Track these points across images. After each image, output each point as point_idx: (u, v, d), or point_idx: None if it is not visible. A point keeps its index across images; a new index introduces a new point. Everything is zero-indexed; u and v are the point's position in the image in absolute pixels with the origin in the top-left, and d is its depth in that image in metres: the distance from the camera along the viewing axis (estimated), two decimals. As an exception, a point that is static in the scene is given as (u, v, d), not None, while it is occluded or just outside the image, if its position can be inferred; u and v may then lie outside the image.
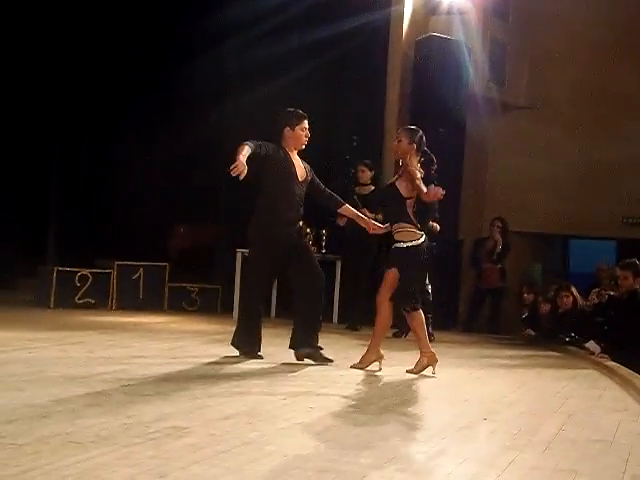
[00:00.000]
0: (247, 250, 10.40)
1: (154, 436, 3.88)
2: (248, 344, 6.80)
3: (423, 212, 6.61)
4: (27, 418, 4.05)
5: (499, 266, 11.43)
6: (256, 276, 6.84)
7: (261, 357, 6.78)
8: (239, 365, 6.48)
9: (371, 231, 6.96)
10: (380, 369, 6.58)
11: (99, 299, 10.59)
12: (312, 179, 6.91)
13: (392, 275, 6.49)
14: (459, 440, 4.28)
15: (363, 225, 7.03)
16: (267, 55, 11.17)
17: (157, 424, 4.12)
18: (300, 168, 6.81)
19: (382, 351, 6.71)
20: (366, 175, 10.24)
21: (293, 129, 6.72)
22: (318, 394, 5.40)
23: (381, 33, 11.69)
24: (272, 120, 6.90)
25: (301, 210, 6.86)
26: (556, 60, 12.67)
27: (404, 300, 6.56)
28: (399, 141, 6.62)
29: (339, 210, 7.19)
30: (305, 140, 6.78)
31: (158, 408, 4.52)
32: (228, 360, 6.69)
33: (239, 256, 10.32)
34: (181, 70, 11.67)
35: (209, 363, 6.50)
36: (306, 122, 6.78)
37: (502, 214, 11.74)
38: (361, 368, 6.57)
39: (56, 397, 4.62)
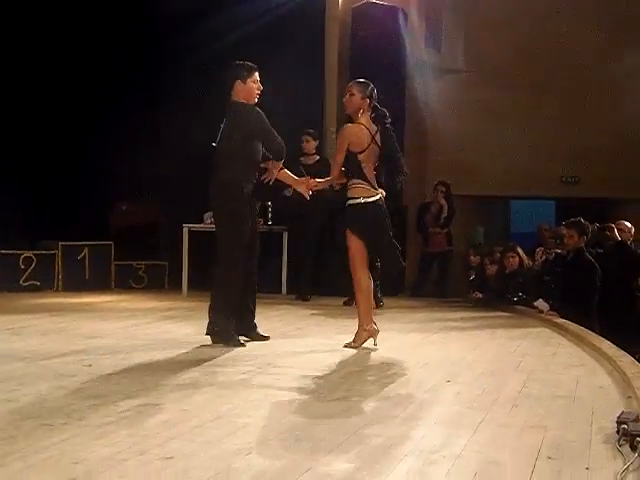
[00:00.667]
0: (192, 225, 10.47)
1: (126, 415, 3.86)
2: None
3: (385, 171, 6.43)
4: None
5: (445, 230, 11.54)
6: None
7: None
8: (196, 338, 6.44)
9: (307, 189, 6.71)
10: (375, 344, 6.24)
11: (44, 281, 10.43)
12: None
13: (354, 245, 6.22)
14: (427, 403, 4.34)
15: (298, 187, 6.81)
16: (202, 23, 11.04)
17: (126, 402, 4.10)
18: None
19: (375, 326, 6.27)
20: (311, 145, 10.22)
21: (245, 82, 6.31)
22: (281, 365, 5.41)
23: (317, 0, 11.64)
24: (223, 75, 6.54)
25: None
26: (492, 24, 12.76)
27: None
28: (351, 95, 6.29)
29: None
30: (257, 93, 6.38)
31: (124, 387, 4.49)
32: (183, 335, 6.66)
33: (185, 231, 10.25)
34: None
35: (167, 339, 6.46)
36: (257, 74, 6.39)
37: (445, 178, 11.84)
38: (355, 347, 6.14)
39: (19, 381, 4.57)
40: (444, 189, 11.51)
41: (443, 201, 11.46)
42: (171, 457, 3.18)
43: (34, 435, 3.44)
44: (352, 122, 6.30)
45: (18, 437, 3.40)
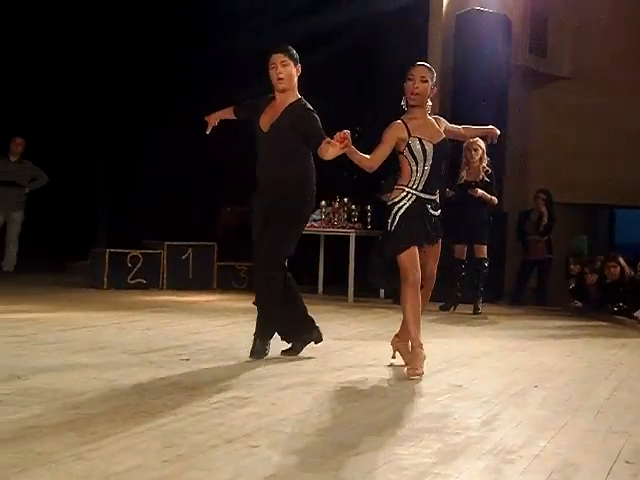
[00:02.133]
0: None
1: (218, 405, 4.05)
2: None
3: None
4: (97, 391, 4.25)
5: (545, 238, 11.43)
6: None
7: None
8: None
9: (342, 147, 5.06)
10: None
11: (150, 279, 10.80)
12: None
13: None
14: (511, 406, 4.40)
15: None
16: (301, 33, 11.24)
17: (220, 395, 4.29)
18: (270, 116, 5.58)
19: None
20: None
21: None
22: (370, 365, 5.54)
23: (421, 8, 11.71)
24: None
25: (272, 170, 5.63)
26: (598, 30, 12.59)
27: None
28: (424, 81, 5.43)
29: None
30: (276, 79, 5.50)
31: (219, 380, 4.70)
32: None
33: (286, 234, 10.45)
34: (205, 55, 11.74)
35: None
36: (274, 57, 5.50)
37: (546, 186, 11.74)
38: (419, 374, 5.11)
39: (122, 372, 4.82)
40: (544, 197, 11.41)
41: (543, 209, 11.36)
42: (257, 446, 3.34)
43: (132, 420, 3.66)
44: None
45: (117, 421, 3.62)
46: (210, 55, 11.64)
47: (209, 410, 3.94)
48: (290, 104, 5.56)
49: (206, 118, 5.94)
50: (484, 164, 9.53)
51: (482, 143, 9.47)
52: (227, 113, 5.98)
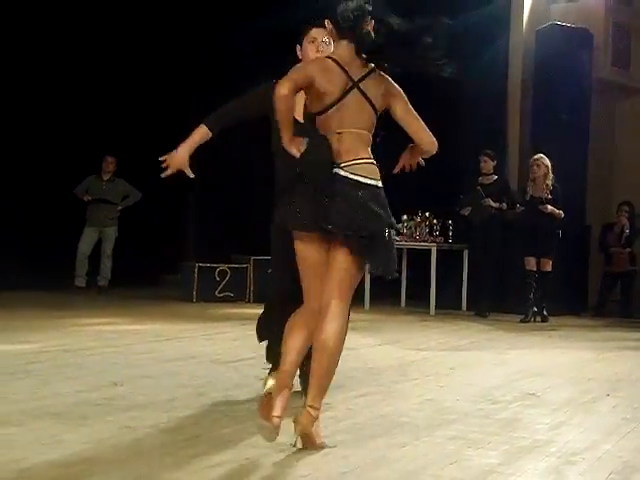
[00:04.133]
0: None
1: (299, 410, 4.31)
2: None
3: None
4: (185, 396, 4.57)
5: (628, 250, 11.44)
6: None
7: None
8: (374, 349, 6.89)
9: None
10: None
11: (237, 292, 11.18)
12: None
13: None
14: (580, 413, 4.56)
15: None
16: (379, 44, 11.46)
17: (301, 401, 4.55)
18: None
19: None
20: (488, 165, 10.46)
21: (302, 45, 4.57)
22: (446, 374, 5.75)
23: (501, 23, 11.85)
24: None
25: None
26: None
27: None
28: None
29: None
30: (320, 51, 4.47)
31: (299, 386, 4.96)
32: (363, 345, 7.10)
33: (369, 248, 10.71)
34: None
35: (345, 349, 6.89)
36: (313, 31, 4.52)
37: (629, 198, 11.74)
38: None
39: (208, 379, 5.14)
40: (627, 209, 11.43)
41: (625, 221, 11.38)
42: (334, 446, 3.60)
43: (218, 423, 3.96)
44: None
45: (203, 423, 3.94)
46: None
47: (290, 415, 4.20)
48: None
49: (168, 161, 4.51)
50: (548, 181, 9.78)
51: (546, 160, 9.72)
52: (197, 140, 4.61)
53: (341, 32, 3.73)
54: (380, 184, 3.73)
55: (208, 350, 6.51)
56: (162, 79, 12.67)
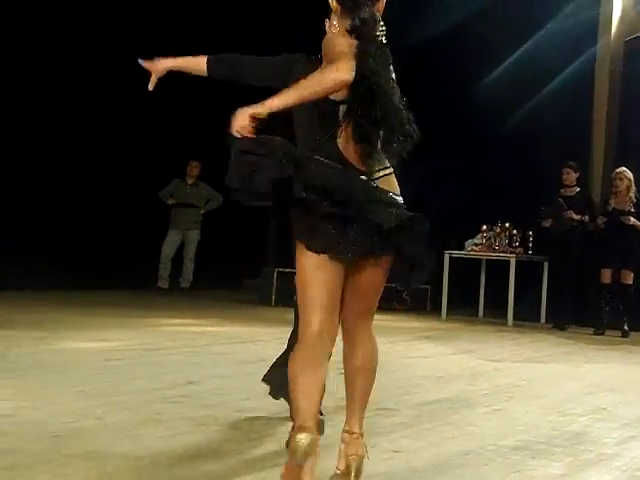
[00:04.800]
0: (453, 252, 10.97)
1: (366, 415, 4.38)
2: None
3: None
4: (259, 396, 4.68)
5: None
6: None
7: None
8: (446, 358, 6.93)
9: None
10: None
11: (316, 298, 11.29)
12: None
13: None
14: (651, 429, 4.53)
15: None
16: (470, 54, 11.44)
17: (369, 406, 4.62)
18: None
19: None
20: (571, 177, 10.37)
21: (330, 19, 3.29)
22: (518, 386, 5.75)
23: (589, 33, 11.72)
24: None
25: None
26: None
27: None
28: None
29: None
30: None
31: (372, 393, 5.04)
32: (436, 353, 7.14)
33: (447, 258, 10.73)
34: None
35: (416, 357, 6.97)
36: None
37: None
38: None
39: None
40: None
41: None
42: (398, 451, 3.67)
43: (288, 423, 4.05)
44: None
45: (274, 423, 4.05)
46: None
47: (358, 418, 4.29)
48: None
49: (146, 65, 3.73)
50: (631, 194, 9.70)
51: (629, 173, 9.62)
52: (191, 63, 3.84)
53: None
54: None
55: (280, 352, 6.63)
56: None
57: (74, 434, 3.63)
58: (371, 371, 3.38)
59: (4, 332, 6.74)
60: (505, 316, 10.43)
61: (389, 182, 3.09)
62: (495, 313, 10.87)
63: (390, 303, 11.68)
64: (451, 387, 5.51)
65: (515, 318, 10.39)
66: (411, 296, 11.85)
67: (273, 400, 4.47)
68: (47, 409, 4.10)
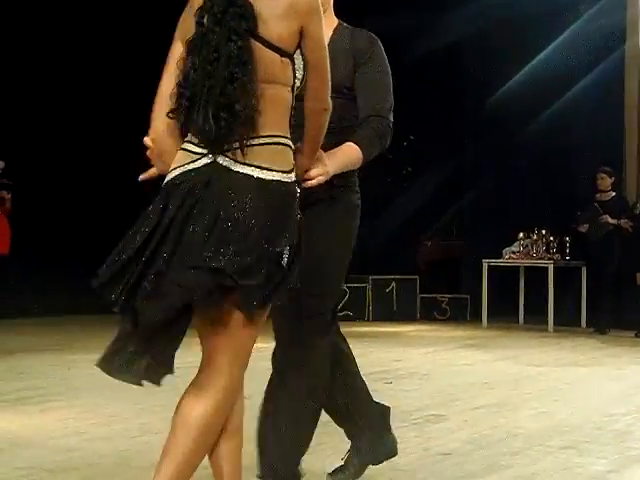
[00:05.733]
0: (491, 260, 11.10)
1: (416, 421, 4.57)
2: None
3: None
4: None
5: None
6: None
7: None
8: (490, 364, 7.06)
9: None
10: None
11: (356, 311, 11.49)
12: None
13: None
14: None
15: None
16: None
17: (419, 412, 4.81)
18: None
19: None
20: (606, 182, 10.44)
21: None
22: (562, 389, 5.88)
23: (616, 36, 11.78)
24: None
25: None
26: None
27: None
28: None
29: None
30: None
31: (418, 400, 5.22)
32: (479, 360, 7.28)
33: (485, 266, 10.85)
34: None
35: (461, 364, 7.12)
36: None
37: None
38: None
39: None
40: None
41: None
42: (449, 453, 3.84)
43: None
44: None
45: (323, 436, 4.21)
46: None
47: (409, 425, 4.46)
48: (334, 30, 3.05)
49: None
50: None
51: None
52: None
53: None
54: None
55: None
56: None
57: (140, 448, 3.84)
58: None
59: (66, 356, 7.00)
60: (545, 322, 10.51)
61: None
62: (535, 319, 10.95)
63: (430, 313, 11.83)
64: (496, 392, 5.65)
65: (555, 324, 10.47)
66: (451, 305, 11.98)
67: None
68: (113, 426, 4.31)
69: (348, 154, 2.83)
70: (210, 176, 2.21)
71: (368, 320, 11.39)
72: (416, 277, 11.97)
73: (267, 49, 2.26)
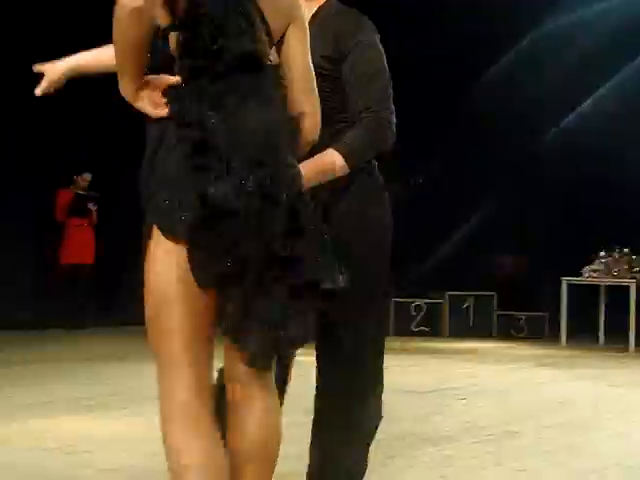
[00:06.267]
0: (571, 278, 10.94)
1: (490, 437, 4.56)
2: None
3: None
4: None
5: None
6: None
7: None
8: (568, 384, 6.98)
9: None
10: None
11: (433, 327, 11.47)
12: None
13: None
14: None
15: None
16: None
17: (492, 428, 4.80)
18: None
19: None
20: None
21: None
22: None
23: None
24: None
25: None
26: None
27: None
28: None
29: None
30: None
31: (490, 416, 5.20)
32: (557, 379, 7.21)
33: (564, 284, 10.71)
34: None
35: (539, 382, 7.06)
36: None
37: None
38: None
39: (400, 404, 5.44)
40: None
41: None
42: (523, 470, 3.83)
43: (413, 446, 4.27)
44: None
45: (396, 448, 4.24)
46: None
47: (482, 440, 4.46)
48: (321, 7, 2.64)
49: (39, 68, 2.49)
50: None
51: None
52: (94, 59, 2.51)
53: None
54: None
55: (401, 380, 6.81)
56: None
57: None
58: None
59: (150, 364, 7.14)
60: (626, 342, 10.32)
61: None
62: (615, 339, 10.76)
63: (507, 330, 11.73)
64: (573, 411, 5.59)
65: (637, 344, 10.27)
66: (528, 323, 11.86)
67: (395, 420, 4.66)
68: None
69: (320, 166, 2.40)
70: None
71: (444, 336, 11.34)
72: (493, 293, 11.89)
73: None
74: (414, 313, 11.44)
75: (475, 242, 12.64)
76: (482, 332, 11.45)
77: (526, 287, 12.49)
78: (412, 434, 4.58)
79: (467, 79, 12.18)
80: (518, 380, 7.18)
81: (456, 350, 9.73)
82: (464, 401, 5.84)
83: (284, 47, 2.08)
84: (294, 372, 2.67)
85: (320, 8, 2.59)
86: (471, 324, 11.63)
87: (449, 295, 11.61)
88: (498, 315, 11.82)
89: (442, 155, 12.59)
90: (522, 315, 11.83)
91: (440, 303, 11.59)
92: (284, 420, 2.10)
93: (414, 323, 11.45)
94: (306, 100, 2.11)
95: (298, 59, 2.10)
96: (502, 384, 6.83)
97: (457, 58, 11.29)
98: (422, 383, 6.70)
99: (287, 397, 2.64)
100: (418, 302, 11.52)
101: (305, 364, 2.82)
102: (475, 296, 11.74)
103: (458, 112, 12.26)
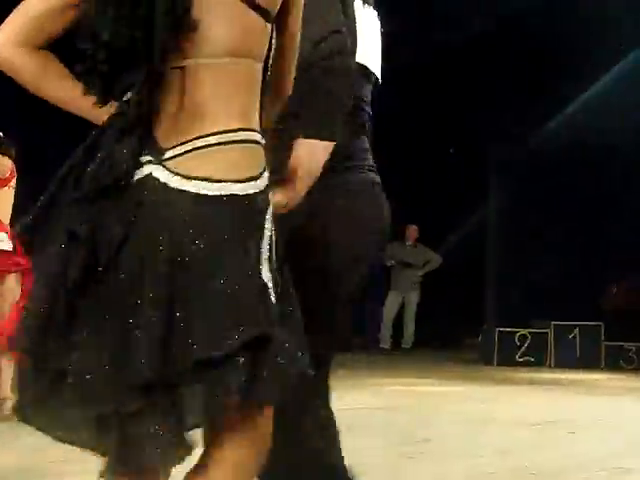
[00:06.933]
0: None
1: (601, 473, 4.43)
2: None
3: None
4: (490, 454, 4.81)
5: None
6: None
7: None
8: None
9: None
10: None
11: (537, 357, 11.25)
12: None
13: None
14: None
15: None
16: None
17: (603, 463, 4.66)
18: None
19: None
20: None
21: None
22: None
23: None
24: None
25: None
26: None
27: None
28: None
29: None
30: None
31: (603, 450, 5.06)
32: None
33: (676, 313, 10.39)
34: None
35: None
36: None
37: None
38: None
39: (509, 438, 5.34)
40: None
41: None
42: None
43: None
44: None
45: (479, 464, 4.16)
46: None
47: (593, 476, 4.34)
48: None
49: None
50: None
51: None
52: None
53: None
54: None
55: (510, 411, 6.70)
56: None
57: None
58: None
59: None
60: None
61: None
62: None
63: (616, 361, 11.41)
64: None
65: None
66: (639, 354, 11.52)
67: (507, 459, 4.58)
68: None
69: (306, 162, 2.00)
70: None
71: (550, 366, 11.12)
72: (600, 324, 11.60)
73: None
74: (518, 343, 11.25)
75: (580, 271, 12.39)
76: (590, 363, 11.17)
77: (636, 317, 12.15)
78: (522, 467, 4.48)
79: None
80: (630, 413, 6.96)
81: (563, 381, 9.52)
82: (573, 434, 5.69)
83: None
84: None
85: None
86: (577, 355, 11.36)
87: (554, 325, 11.38)
88: (606, 346, 11.51)
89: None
90: (632, 346, 11.50)
91: (545, 333, 11.37)
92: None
93: (519, 353, 11.26)
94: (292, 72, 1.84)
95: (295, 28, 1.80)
96: (613, 417, 6.64)
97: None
98: (530, 415, 6.56)
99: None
100: (523, 332, 11.33)
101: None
102: (582, 326, 11.48)
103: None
